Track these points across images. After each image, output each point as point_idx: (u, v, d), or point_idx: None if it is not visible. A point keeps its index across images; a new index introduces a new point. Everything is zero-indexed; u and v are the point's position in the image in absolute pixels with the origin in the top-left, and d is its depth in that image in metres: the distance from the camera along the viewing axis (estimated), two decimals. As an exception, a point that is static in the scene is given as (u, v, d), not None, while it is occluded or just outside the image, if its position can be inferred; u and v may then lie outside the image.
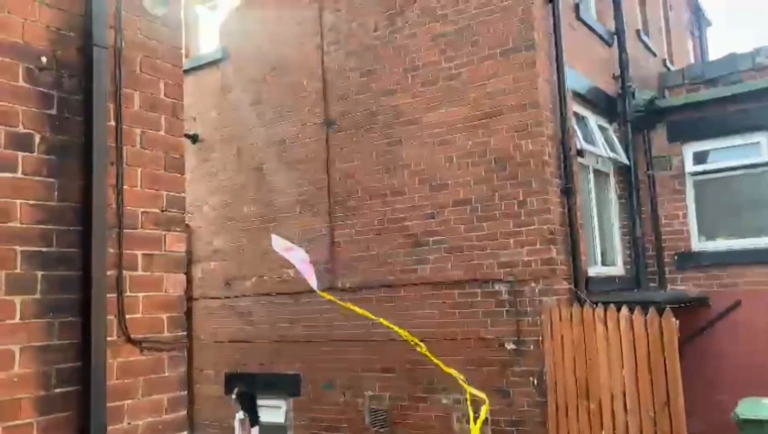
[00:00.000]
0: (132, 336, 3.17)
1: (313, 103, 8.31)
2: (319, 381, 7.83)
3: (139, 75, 3.42)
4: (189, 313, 8.63)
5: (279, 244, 5.65)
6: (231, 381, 8.59)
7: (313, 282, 5.36)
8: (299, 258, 5.63)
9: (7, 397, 2.72)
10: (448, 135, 7.20)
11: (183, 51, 3.88)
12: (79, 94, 3.10)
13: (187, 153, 8.71)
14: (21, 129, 2.89)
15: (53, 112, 3.01)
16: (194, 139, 9.40)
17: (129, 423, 3.13)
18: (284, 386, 8.14)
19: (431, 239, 7.23)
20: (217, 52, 9.46)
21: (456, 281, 7.00)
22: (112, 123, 3.24)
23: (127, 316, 3.17)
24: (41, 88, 2.98)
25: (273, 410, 8.33)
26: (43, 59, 3.00)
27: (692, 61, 14.23)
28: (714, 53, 16.53)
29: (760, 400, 6.71)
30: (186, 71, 8.64)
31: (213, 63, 9.44)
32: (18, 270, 2.82)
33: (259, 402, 8.41)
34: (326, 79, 8.19)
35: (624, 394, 5.85)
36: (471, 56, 7.12)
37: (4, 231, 2.79)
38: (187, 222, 9.19)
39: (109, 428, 3.00)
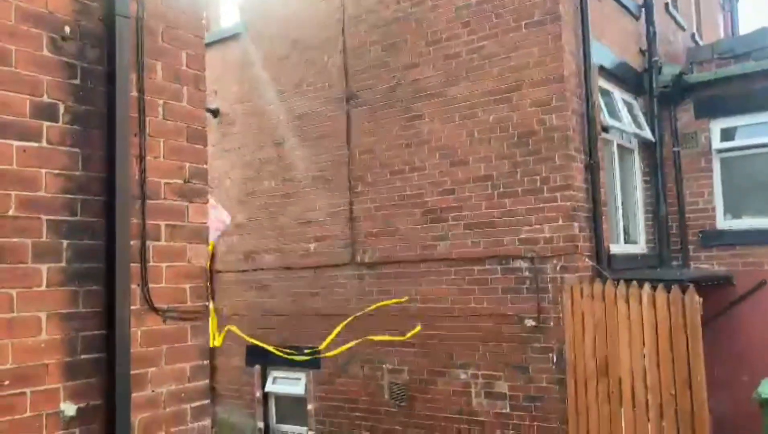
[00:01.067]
0: (155, 305, 3.23)
1: (333, 78, 8.28)
2: (339, 354, 7.93)
3: (161, 46, 3.44)
4: (211, 286, 8.83)
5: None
6: (252, 353, 8.76)
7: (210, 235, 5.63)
8: (217, 216, 5.80)
9: (35, 362, 2.80)
10: (469, 110, 7.14)
11: (205, 22, 3.88)
12: (102, 64, 3.14)
13: (208, 127, 8.78)
14: (46, 99, 2.93)
15: (77, 82, 3.04)
16: (215, 113, 9.45)
17: (153, 391, 3.20)
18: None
19: (451, 215, 7.21)
20: (238, 26, 9.45)
21: (475, 257, 6.99)
22: (135, 94, 3.26)
23: (150, 285, 3.22)
24: (65, 58, 3.01)
25: (293, 382, 8.47)
26: (67, 29, 3.02)
27: (722, 35, 13.93)
28: (745, 27, 16.17)
29: (783, 380, 6.67)
30: (208, 45, 8.68)
31: (234, 37, 9.44)
32: (44, 239, 2.87)
33: (280, 374, 8.58)
34: (347, 54, 8.15)
35: (645, 372, 5.83)
36: (494, 29, 7.03)
37: (30, 200, 2.84)
38: (209, 196, 9.30)
39: (134, 395, 3.08)
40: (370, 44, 7.99)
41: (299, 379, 8.41)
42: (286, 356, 7.71)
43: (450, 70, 7.31)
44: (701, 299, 5.69)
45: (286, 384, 8.50)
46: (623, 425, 5.91)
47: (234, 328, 7.73)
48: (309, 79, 8.56)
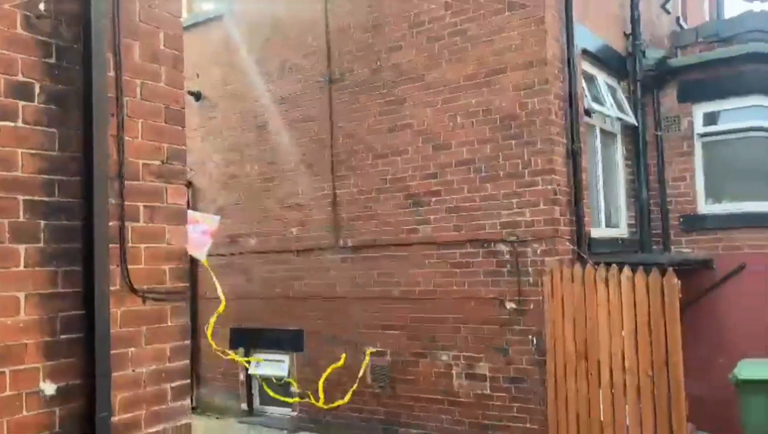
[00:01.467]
0: (135, 286, 3.28)
1: (316, 61, 8.30)
2: (322, 336, 8.02)
3: (138, 25, 3.44)
4: (195, 270, 8.91)
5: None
6: (236, 336, 8.87)
7: (199, 254, 5.59)
8: (199, 229, 5.86)
9: (13, 342, 2.84)
10: (452, 93, 7.18)
11: (183, 1, 3.88)
12: (78, 43, 3.14)
13: (190, 111, 8.89)
14: (21, 78, 2.94)
15: (52, 61, 3.05)
16: (197, 96, 9.44)
17: (133, 370, 3.25)
18: (287, 341, 8.39)
19: (433, 199, 7.29)
20: (220, 8, 9.42)
21: (457, 241, 7.08)
22: (112, 73, 3.28)
23: (129, 266, 3.26)
24: (40, 37, 3.02)
25: (276, 364, 8.60)
26: (41, 6, 3.03)
27: (707, 19, 14.04)
28: (730, 11, 16.28)
29: (759, 362, 6.85)
30: (189, 27, 8.68)
31: (216, 19, 9.42)
32: (21, 219, 2.90)
33: (263, 356, 8.73)
34: (329, 36, 8.16)
35: (623, 354, 5.96)
36: (478, 11, 7.06)
37: (7, 180, 2.86)
38: (191, 180, 9.39)
39: (114, 374, 3.13)
40: (352, 27, 8.00)
41: (282, 361, 8.52)
42: (273, 395, 8.17)
43: (432, 53, 7.34)
44: (680, 283, 5.81)
45: (270, 366, 8.61)
46: (601, 406, 6.06)
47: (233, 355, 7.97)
48: (292, 62, 8.56)
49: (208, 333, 6.62)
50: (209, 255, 9.15)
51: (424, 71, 7.39)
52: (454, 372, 7.07)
